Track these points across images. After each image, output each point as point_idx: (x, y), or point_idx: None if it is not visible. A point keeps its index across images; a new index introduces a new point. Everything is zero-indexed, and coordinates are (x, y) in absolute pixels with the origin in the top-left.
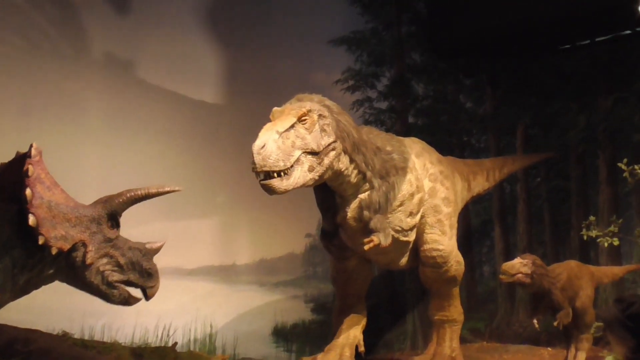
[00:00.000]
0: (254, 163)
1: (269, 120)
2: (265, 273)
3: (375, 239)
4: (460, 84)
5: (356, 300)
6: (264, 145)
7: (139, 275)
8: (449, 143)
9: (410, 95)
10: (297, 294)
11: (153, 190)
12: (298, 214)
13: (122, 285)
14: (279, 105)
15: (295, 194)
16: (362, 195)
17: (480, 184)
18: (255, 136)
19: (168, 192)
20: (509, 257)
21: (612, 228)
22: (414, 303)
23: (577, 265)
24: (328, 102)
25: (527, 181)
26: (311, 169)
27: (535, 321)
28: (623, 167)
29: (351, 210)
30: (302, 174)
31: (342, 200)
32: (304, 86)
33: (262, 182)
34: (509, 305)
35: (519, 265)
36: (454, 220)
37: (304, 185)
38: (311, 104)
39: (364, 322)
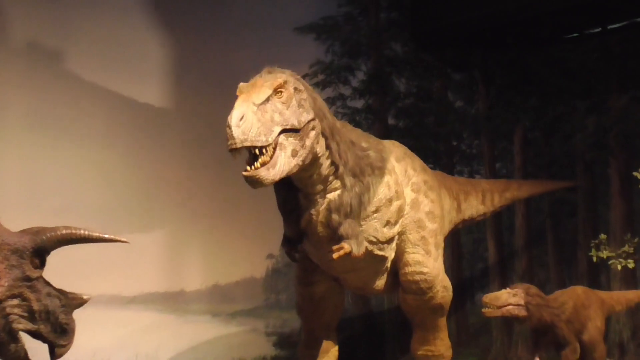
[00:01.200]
0: (232, 138)
1: (223, 121)
2: (219, 301)
3: (346, 246)
4: (448, 79)
5: (326, 332)
6: (242, 117)
7: (52, 328)
8: (435, 149)
9: (390, 93)
10: (257, 326)
11: (95, 235)
12: (258, 231)
13: (23, 341)
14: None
15: (255, 206)
16: (331, 196)
17: (474, 207)
18: (208, 138)
19: (113, 241)
20: (506, 281)
21: (626, 248)
22: (393, 336)
23: (584, 291)
24: (300, 77)
25: (529, 214)
26: (294, 153)
27: (536, 359)
28: (639, 176)
29: (318, 213)
30: (286, 160)
31: (307, 200)
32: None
33: (246, 174)
34: (505, 339)
35: (507, 296)
36: (440, 239)
37: (289, 174)
38: (286, 75)
39: (335, 358)
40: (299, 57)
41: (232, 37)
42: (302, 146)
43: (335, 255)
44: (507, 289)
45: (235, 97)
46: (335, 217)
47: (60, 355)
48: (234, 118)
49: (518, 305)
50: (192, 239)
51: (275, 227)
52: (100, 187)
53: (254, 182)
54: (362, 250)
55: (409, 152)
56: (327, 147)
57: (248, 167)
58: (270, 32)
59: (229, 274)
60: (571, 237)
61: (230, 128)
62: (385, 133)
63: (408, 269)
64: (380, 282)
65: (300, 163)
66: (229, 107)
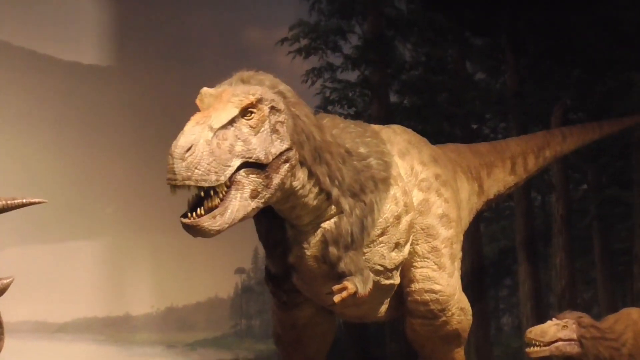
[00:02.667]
0: (172, 172)
1: (178, 102)
2: (175, 328)
3: (350, 285)
4: (466, 46)
5: None
6: (190, 147)
7: None
8: (449, 134)
9: (392, 63)
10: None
11: (1, 203)
12: (225, 240)
13: None
14: (199, 81)
15: None
16: (327, 224)
17: (501, 180)
18: (157, 118)
19: (25, 204)
20: (541, 303)
21: None
22: None
23: None
24: (282, 86)
25: (567, 189)
26: (254, 194)
27: None
28: None
29: (310, 247)
30: (242, 204)
31: (295, 231)
32: (232, 49)
33: (185, 222)
34: None
35: (555, 329)
36: (457, 248)
37: (246, 219)
38: (262, 89)
39: None
40: (275, 17)
41: None
42: (267, 185)
43: (337, 299)
44: (554, 319)
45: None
46: (333, 250)
47: None
48: (178, 147)
49: (570, 340)
50: (140, 249)
51: (246, 233)
52: (19, 181)
53: (194, 233)
54: (369, 287)
55: (414, 138)
56: (311, 174)
57: (188, 213)
58: None
59: (187, 294)
60: (625, 247)
61: (172, 158)
62: (386, 114)
63: (415, 287)
64: (384, 308)
65: (261, 205)
66: (184, 78)
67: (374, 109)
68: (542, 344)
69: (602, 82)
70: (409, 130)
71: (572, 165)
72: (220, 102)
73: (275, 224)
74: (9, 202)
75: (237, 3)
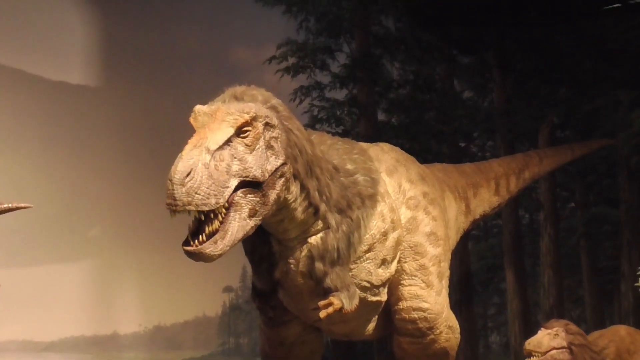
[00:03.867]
0: (172, 198)
1: (167, 121)
2: (162, 347)
3: (336, 301)
4: (454, 64)
5: None
6: (190, 172)
7: None
8: (437, 152)
9: (380, 81)
10: None
11: None
12: None
13: None
14: (187, 100)
15: None
16: (313, 239)
17: (486, 201)
18: (151, 144)
19: (10, 209)
20: (529, 322)
21: None
22: None
23: (628, 333)
24: (275, 100)
25: (555, 207)
26: (252, 213)
27: None
28: None
29: (297, 262)
30: (241, 225)
31: (282, 246)
32: (220, 67)
33: (189, 250)
34: None
35: (548, 339)
36: (445, 266)
37: (244, 238)
38: (256, 107)
39: None
40: (263, 35)
41: (178, 12)
42: (264, 203)
43: (322, 314)
44: (542, 328)
45: (187, 116)
46: (319, 266)
47: None
48: (177, 173)
49: (561, 348)
50: (127, 268)
51: (234, 251)
52: (5, 200)
53: (198, 259)
54: (355, 303)
55: (402, 157)
56: (303, 188)
57: (190, 241)
58: (226, 4)
59: (174, 313)
60: (612, 265)
61: (172, 184)
62: (374, 132)
63: (403, 305)
64: (371, 326)
65: (259, 222)
66: (171, 98)
67: (362, 127)
68: (539, 355)
69: (589, 100)
70: (397, 148)
71: (559, 183)
72: (215, 121)
73: (261, 239)
74: None
75: (225, 21)
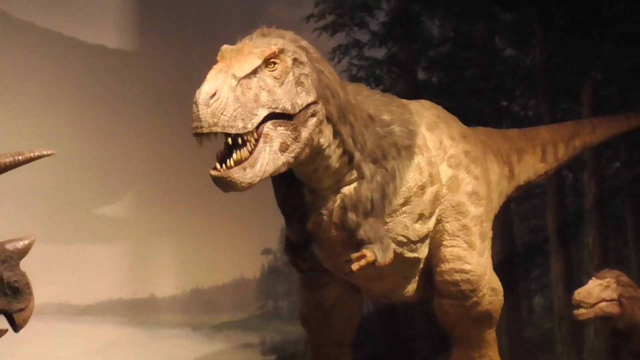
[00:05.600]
0: (197, 119)
1: (199, 77)
2: (200, 310)
3: (368, 253)
4: (495, 20)
5: (339, 350)
6: (215, 93)
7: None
8: (478, 111)
9: (419, 39)
10: (250, 342)
11: (8, 160)
12: (250, 219)
13: None
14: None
15: None
16: (346, 190)
17: (531, 167)
18: (181, 98)
19: (33, 158)
20: (573, 283)
21: None
22: (427, 354)
23: None
24: (305, 43)
25: (599, 167)
26: (284, 147)
27: None
28: None
29: (329, 213)
30: (271, 157)
31: (314, 196)
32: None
33: (215, 174)
34: (573, 357)
35: (599, 290)
36: (488, 226)
37: (275, 174)
38: (283, 41)
39: None
40: None
41: None
42: (296, 139)
43: (355, 267)
44: (594, 278)
45: (214, 62)
46: (352, 216)
47: (24, 321)
48: (202, 93)
49: (612, 300)
50: (163, 229)
51: (273, 213)
52: (39, 167)
53: (225, 186)
54: (389, 257)
55: (443, 114)
56: (336, 133)
57: (217, 165)
58: None
59: (211, 275)
60: None
61: (197, 106)
62: (413, 91)
63: (445, 267)
64: (411, 287)
65: (292, 160)
66: (209, 59)
67: (402, 86)
68: (588, 306)
69: (633, 56)
70: (438, 106)
71: (604, 142)
72: (241, 54)
73: (293, 189)
74: (16, 157)
75: None
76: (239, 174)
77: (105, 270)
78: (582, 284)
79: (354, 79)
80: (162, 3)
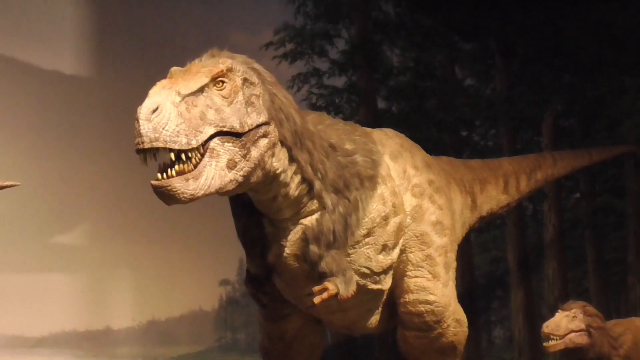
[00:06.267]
0: (139, 135)
1: None
2: (157, 342)
3: (331, 286)
4: (455, 50)
5: None
6: (157, 108)
7: None
8: (439, 141)
9: (379, 67)
10: None
11: None
12: (209, 249)
13: None
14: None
15: (205, 215)
16: (307, 221)
17: (493, 198)
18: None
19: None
20: (534, 315)
21: None
22: None
23: None
24: (257, 65)
25: (560, 197)
26: (232, 164)
27: None
28: None
29: (290, 245)
30: (217, 173)
31: (274, 228)
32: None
33: (155, 184)
34: None
35: (566, 321)
36: (452, 257)
37: (221, 192)
38: (232, 61)
39: None
40: (259, 20)
41: None
42: (245, 157)
43: (317, 300)
44: (560, 310)
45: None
46: (314, 248)
47: None
48: (144, 108)
49: (580, 330)
50: (119, 260)
51: (232, 244)
52: None
53: (166, 197)
54: (352, 289)
55: (407, 143)
56: (292, 159)
57: (158, 175)
58: None
59: (169, 307)
60: (618, 257)
61: (138, 121)
62: (374, 120)
63: (409, 298)
64: (375, 319)
65: (241, 179)
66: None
67: (362, 115)
68: (558, 338)
69: (594, 87)
70: (401, 134)
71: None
72: (189, 73)
73: (253, 220)
74: None
75: (221, 6)
76: (180, 184)
77: (60, 301)
78: (542, 315)
79: (313, 107)
80: (119, 29)
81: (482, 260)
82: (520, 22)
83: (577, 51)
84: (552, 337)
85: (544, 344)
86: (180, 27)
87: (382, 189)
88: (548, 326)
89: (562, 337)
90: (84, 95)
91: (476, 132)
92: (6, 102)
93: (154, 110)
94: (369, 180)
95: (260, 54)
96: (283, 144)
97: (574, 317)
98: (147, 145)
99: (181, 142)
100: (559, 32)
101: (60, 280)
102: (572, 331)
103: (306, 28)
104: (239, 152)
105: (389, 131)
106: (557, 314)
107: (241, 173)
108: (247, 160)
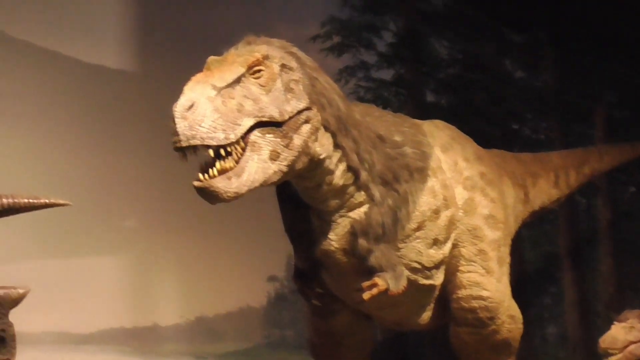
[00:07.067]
0: (175, 133)
1: None
2: (204, 339)
3: (380, 282)
4: (505, 42)
5: None
6: (192, 105)
7: None
8: (488, 134)
9: (427, 60)
10: None
11: (24, 201)
12: (257, 245)
13: None
14: None
15: (253, 211)
16: (355, 214)
17: (545, 192)
18: None
19: (48, 205)
20: (588, 311)
21: None
22: None
23: None
24: (296, 49)
25: (614, 191)
26: (274, 156)
27: None
28: None
29: (338, 239)
30: (260, 166)
31: (321, 221)
32: None
33: (197, 185)
34: None
35: (623, 333)
36: (505, 251)
37: (265, 184)
38: (268, 47)
39: None
40: (305, 13)
41: None
42: (288, 146)
43: (366, 296)
44: (615, 322)
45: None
46: (362, 242)
47: None
48: (178, 106)
49: (639, 341)
50: (165, 257)
51: (280, 239)
52: (37, 188)
53: (209, 197)
54: (402, 285)
55: (457, 134)
56: (337, 145)
57: (200, 175)
58: None
59: (216, 303)
60: None
61: (173, 120)
62: (422, 114)
63: (462, 293)
64: (426, 315)
65: (285, 169)
66: None
67: (410, 108)
68: (617, 352)
69: None
70: (452, 126)
71: (618, 166)
72: (224, 63)
73: (299, 214)
74: (32, 201)
75: None
76: (223, 184)
77: (106, 299)
78: (597, 312)
79: (361, 100)
80: (163, 22)
81: (534, 255)
82: (571, 12)
83: (630, 41)
84: (610, 351)
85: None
86: (225, 20)
87: (432, 182)
88: (605, 341)
89: (622, 350)
90: (127, 88)
91: (527, 125)
92: (52, 96)
93: (189, 107)
94: (419, 172)
95: (307, 46)
96: (326, 129)
97: (631, 327)
98: (184, 144)
99: (219, 138)
100: (611, 22)
101: (106, 277)
102: (631, 342)
103: (353, 20)
104: (281, 142)
105: (440, 123)
106: (612, 327)
107: (285, 163)
108: (290, 149)
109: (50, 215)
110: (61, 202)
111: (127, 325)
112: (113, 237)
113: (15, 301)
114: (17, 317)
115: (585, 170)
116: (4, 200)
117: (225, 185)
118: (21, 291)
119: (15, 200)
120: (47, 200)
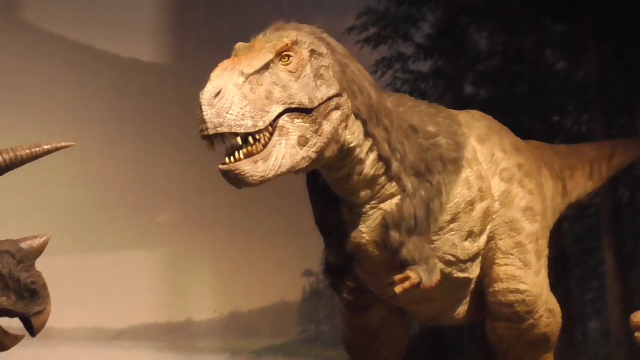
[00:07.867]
0: (202, 121)
1: None
2: (239, 334)
3: (413, 275)
4: (546, 33)
5: None
6: (219, 92)
7: (16, 296)
8: (529, 126)
9: (466, 52)
10: None
11: (25, 152)
12: (291, 240)
13: None
14: None
15: (286, 206)
16: (386, 205)
17: (581, 185)
18: None
19: (51, 150)
20: (632, 306)
21: None
22: None
23: None
24: (325, 35)
25: None
26: (303, 141)
27: None
28: None
29: (370, 231)
30: (288, 152)
31: (353, 214)
32: None
33: (222, 168)
34: None
35: None
36: (543, 244)
37: (293, 170)
38: (298, 33)
39: None
40: (342, 5)
41: None
42: (317, 132)
43: (398, 289)
44: None
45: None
46: (394, 235)
47: (42, 325)
48: (205, 93)
49: None
50: (199, 251)
51: (315, 233)
52: (72, 181)
53: (234, 181)
54: (435, 278)
55: (495, 125)
56: (368, 134)
57: (226, 159)
58: None
59: (251, 298)
60: None
61: (200, 107)
62: (460, 106)
63: (499, 287)
64: (462, 309)
65: (314, 156)
66: None
67: (448, 100)
68: None
69: None
70: (489, 116)
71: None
72: (252, 50)
73: (330, 206)
74: (33, 150)
75: None
76: (249, 167)
77: (140, 294)
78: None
79: (398, 92)
80: (198, 16)
81: (576, 250)
82: (614, 2)
83: None
84: None
85: (635, 334)
86: (261, 12)
87: (467, 173)
88: (637, 316)
89: None
90: (161, 82)
91: (568, 117)
92: (87, 91)
93: (216, 94)
94: (453, 163)
95: (343, 38)
96: (357, 116)
97: None
98: (211, 132)
99: (247, 125)
100: None
101: (140, 272)
102: None
103: (389, 11)
104: (310, 128)
105: (476, 113)
106: None
107: (314, 149)
108: (320, 135)
109: (85, 211)
110: (63, 144)
111: (160, 320)
112: (147, 232)
113: (39, 249)
114: (51, 313)
115: (614, 163)
116: (5, 156)
117: (251, 168)
118: (43, 239)
119: (17, 153)
120: (48, 146)
